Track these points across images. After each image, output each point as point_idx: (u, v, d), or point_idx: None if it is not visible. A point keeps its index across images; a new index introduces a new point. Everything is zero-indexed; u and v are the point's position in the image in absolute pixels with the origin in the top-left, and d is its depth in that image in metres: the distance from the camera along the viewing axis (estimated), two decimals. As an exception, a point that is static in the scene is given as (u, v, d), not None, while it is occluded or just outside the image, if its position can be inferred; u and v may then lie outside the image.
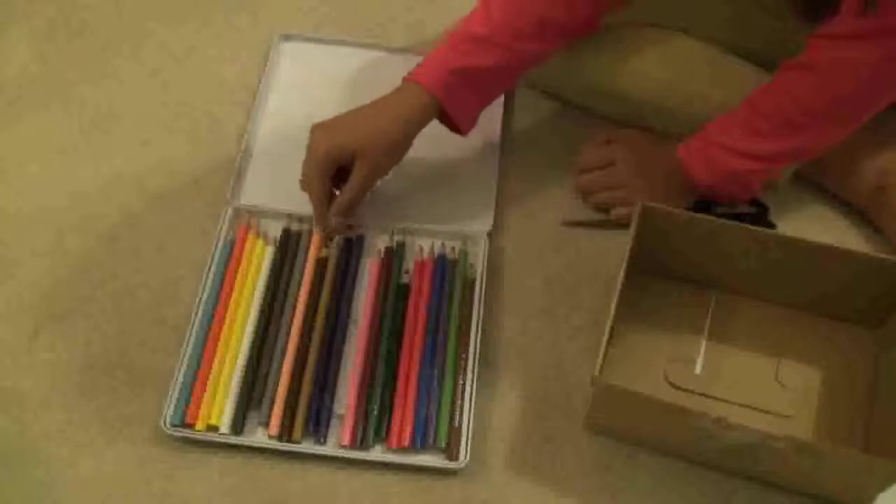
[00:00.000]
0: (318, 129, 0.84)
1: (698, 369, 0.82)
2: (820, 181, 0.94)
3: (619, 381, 0.72)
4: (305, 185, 0.84)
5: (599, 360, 0.71)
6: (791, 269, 0.81)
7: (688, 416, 0.70)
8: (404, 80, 0.84)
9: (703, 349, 0.84)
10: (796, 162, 0.89)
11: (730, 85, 0.90)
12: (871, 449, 0.77)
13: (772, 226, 0.91)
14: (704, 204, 0.90)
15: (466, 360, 0.82)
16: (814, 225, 0.93)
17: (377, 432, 0.78)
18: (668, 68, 0.92)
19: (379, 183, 0.87)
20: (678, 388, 0.81)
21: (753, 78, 0.90)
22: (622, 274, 0.76)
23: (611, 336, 0.74)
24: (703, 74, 0.92)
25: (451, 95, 0.84)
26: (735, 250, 0.81)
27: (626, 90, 0.94)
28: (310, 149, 0.83)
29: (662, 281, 0.86)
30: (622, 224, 0.89)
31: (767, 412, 0.80)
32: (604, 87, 0.95)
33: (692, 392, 0.81)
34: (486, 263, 0.88)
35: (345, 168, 0.84)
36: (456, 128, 0.88)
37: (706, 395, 0.81)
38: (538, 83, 1.01)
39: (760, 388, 0.81)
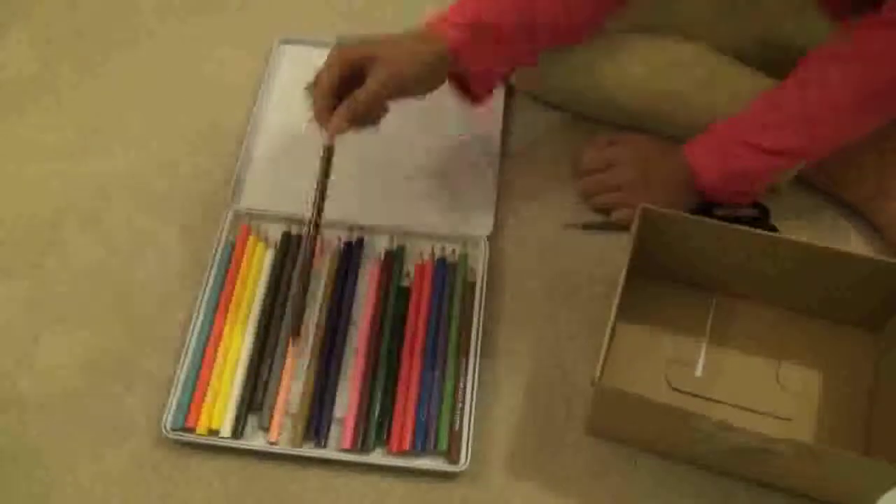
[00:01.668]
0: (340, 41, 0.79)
1: (699, 372, 0.82)
2: (820, 183, 0.94)
3: (619, 384, 0.72)
4: (314, 83, 0.78)
5: (600, 363, 0.71)
6: (792, 272, 0.81)
7: (689, 419, 0.70)
8: (426, 25, 0.81)
9: (703, 352, 0.84)
10: (804, 160, 0.88)
11: (726, 87, 0.90)
12: (872, 452, 0.77)
13: (773, 228, 0.91)
14: (705, 207, 0.90)
15: (467, 363, 0.82)
16: (815, 227, 0.93)
17: (378, 435, 0.78)
18: (663, 71, 0.92)
19: (381, 181, 0.86)
20: (679, 390, 0.81)
21: (749, 80, 0.90)
22: (622, 277, 0.76)
23: (611, 339, 0.74)
24: (698, 77, 0.92)
25: (469, 47, 0.80)
26: (735, 253, 0.81)
27: (618, 94, 0.94)
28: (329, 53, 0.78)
29: (663, 283, 0.86)
30: (623, 227, 0.89)
31: (768, 415, 0.80)
32: (595, 91, 0.95)
33: (693, 395, 0.81)
34: (486, 266, 0.88)
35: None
36: (470, 92, 0.86)
37: (707, 398, 0.81)
38: (531, 86, 1.00)
39: (761, 390, 0.81)
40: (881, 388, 0.80)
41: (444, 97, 1.03)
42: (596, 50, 0.93)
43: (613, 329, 0.74)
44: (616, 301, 0.74)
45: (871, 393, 0.81)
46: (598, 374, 0.71)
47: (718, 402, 0.80)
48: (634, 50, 0.93)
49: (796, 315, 0.85)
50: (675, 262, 0.85)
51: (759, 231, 0.80)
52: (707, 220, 0.81)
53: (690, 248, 0.82)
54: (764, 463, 0.73)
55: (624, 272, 0.76)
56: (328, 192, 0.82)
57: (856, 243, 0.92)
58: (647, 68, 0.92)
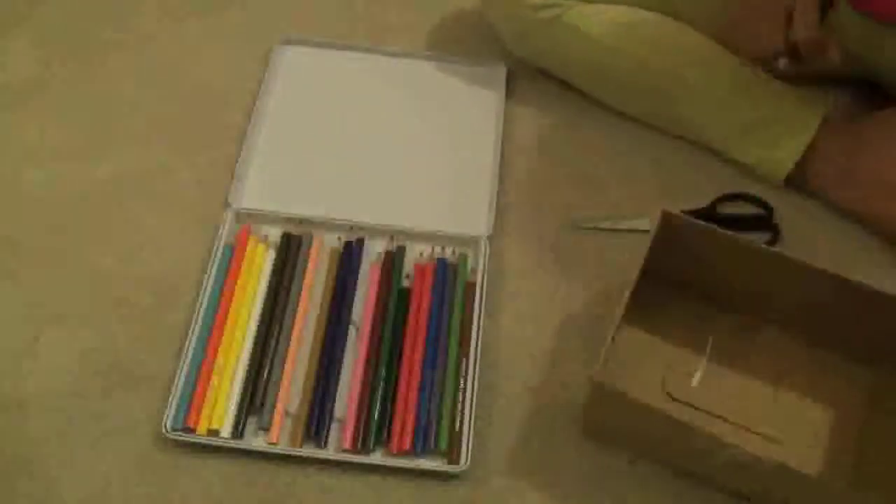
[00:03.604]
0: None
1: (695, 382, 0.82)
2: (815, 190, 0.94)
3: (616, 385, 0.71)
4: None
5: (599, 362, 0.71)
6: (797, 293, 0.80)
7: (682, 429, 0.70)
8: None
9: (703, 364, 0.83)
10: None
11: (708, 67, 0.93)
12: (860, 483, 0.76)
13: (776, 227, 0.91)
14: (710, 207, 0.91)
15: (467, 363, 0.82)
16: (817, 226, 0.93)
17: (378, 436, 0.78)
18: (649, 47, 0.94)
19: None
20: (675, 399, 0.81)
21: (735, 62, 0.92)
22: (634, 279, 0.75)
23: (612, 342, 0.73)
24: (686, 56, 0.94)
25: None
26: (745, 268, 0.80)
27: (605, 66, 0.96)
28: None
29: (670, 290, 0.85)
30: (626, 229, 0.90)
31: (760, 434, 0.79)
32: (585, 62, 0.97)
33: (688, 405, 0.80)
34: (486, 267, 0.87)
35: None
36: None
37: (702, 410, 0.80)
38: (530, 54, 1.01)
39: (756, 409, 0.80)
40: (874, 422, 0.80)
41: (445, 98, 1.04)
42: (592, 16, 0.95)
43: (614, 332, 0.74)
44: (624, 302, 0.74)
45: (864, 424, 0.80)
46: (597, 369, 0.70)
47: (713, 415, 0.79)
48: (633, 22, 0.95)
49: (800, 341, 0.84)
50: (685, 271, 0.83)
51: (770, 248, 0.79)
52: (723, 231, 0.79)
53: (702, 258, 0.81)
54: (752, 480, 0.72)
55: (637, 274, 0.75)
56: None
57: (857, 241, 0.92)
58: (638, 38, 0.94)
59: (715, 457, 0.70)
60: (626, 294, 0.74)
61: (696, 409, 0.80)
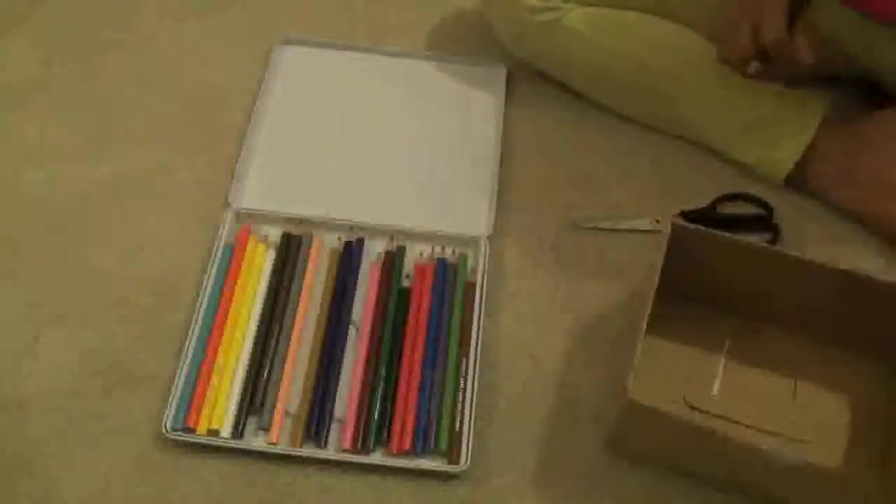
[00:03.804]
0: None
1: (715, 390, 0.81)
2: (815, 190, 0.94)
3: (636, 398, 0.70)
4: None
5: (631, 379, 0.69)
6: (803, 292, 0.80)
7: (725, 444, 0.69)
8: None
9: (720, 371, 0.82)
10: None
11: (708, 67, 0.92)
12: (888, 481, 0.76)
13: (776, 227, 0.91)
14: (710, 207, 0.91)
15: (467, 363, 0.82)
16: (817, 226, 0.93)
17: (378, 436, 0.78)
18: (648, 48, 0.94)
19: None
20: (695, 408, 0.80)
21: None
22: (652, 294, 0.74)
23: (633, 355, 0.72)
24: (685, 56, 0.94)
25: None
26: (758, 272, 0.80)
27: (604, 68, 0.96)
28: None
29: (683, 300, 0.83)
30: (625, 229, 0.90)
31: (784, 437, 0.78)
32: (585, 64, 0.97)
33: (709, 413, 0.79)
34: (486, 267, 0.87)
35: None
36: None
37: (723, 417, 0.79)
38: (528, 56, 1.01)
39: (776, 412, 0.80)
40: None
41: (445, 98, 1.04)
42: (590, 20, 0.95)
43: (634, 343, 0.73)
44: (645, 319, 0.73)
45: (888, 422, 0.80)
46: (628, 387, 0.69)
47: (735, 422, 0.79)
48: (627, 24, 0.95)
49: (811, 340, 0.83)
50: (689, 276, 0.82)
51: (780, 250, 0.78)
52: (725, 234, 0.79)
53: (706, 263, 0.81)
54: (783, 485, 0.72)
55: (655, 283, 0.75)
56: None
57: (857, 241, 0.92)
58: (636, 41, 0.95)
59: (751, 465, 0.70)
60: (648, 306, 0.73)
61: (719, 417, 0.79)
